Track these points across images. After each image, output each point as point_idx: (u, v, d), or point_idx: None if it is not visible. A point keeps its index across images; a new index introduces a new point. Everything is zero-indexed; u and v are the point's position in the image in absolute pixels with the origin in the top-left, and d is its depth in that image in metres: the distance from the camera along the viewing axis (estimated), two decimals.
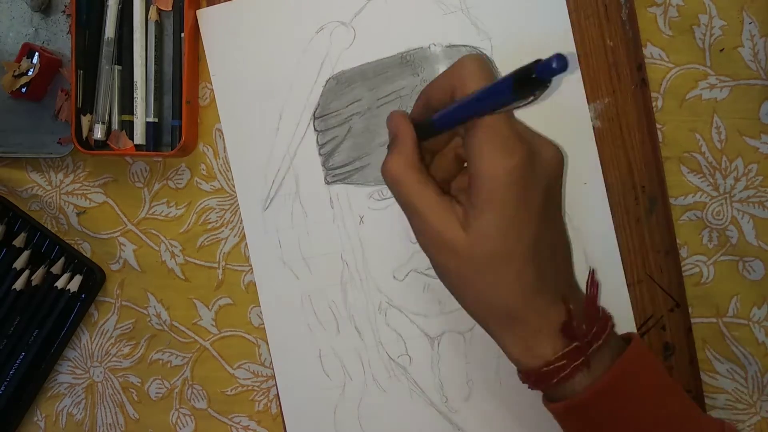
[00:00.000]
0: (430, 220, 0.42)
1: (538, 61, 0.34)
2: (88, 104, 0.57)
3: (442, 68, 0.54)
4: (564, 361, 0.41)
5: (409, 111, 0.54)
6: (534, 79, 0.34)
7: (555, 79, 0.34)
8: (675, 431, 0.42)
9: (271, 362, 0.57)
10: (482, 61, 0.42)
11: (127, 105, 0.57)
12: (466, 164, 0.47)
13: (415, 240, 0.54)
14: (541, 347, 0.42)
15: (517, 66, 0.36)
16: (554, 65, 0.33)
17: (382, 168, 0.45)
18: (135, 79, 0.57)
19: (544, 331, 0.42)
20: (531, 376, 0.43)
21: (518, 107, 0.37)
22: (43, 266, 0.59)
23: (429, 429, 0.55)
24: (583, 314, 0.43)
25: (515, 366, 0.44)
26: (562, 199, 0.45)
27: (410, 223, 0.45)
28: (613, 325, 0.43)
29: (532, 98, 0.36)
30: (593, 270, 0.46)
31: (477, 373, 0.55)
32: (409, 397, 0.55)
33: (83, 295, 0.60)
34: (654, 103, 0.53)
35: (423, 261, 0.54)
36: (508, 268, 0.41)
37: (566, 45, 0.52)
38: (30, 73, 0.57)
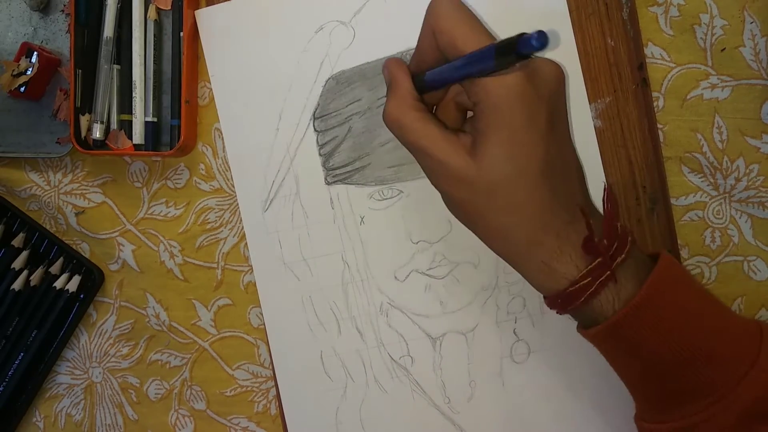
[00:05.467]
0: (435, 153, 0.42)
1: (522, 35, 0.36)
2: (86, 104, 0.57)
3: None
4: (589, 279, 0.41)
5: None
6: (516, 51, 0.36)
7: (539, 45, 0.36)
8: (713, 339, 0.41)
9: (271, 363, 0.57)
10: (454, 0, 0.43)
11: (125, 104, 0.57)
12: (470, 113, 0.47)
13: (416, 240, 0.54)
14: (565, 268, 0.41)
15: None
16: (534, 42, 0.35)
17: (383, 115, 0.45)
18: (134, 79, 0.57)
19: (565, 251, 0.41)
20: (557, 299, 0.42)
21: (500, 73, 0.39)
22: (41, 266, 0.59)
23: (431, 430, 0.55)
24: (602, 231, 0.42)
25: (540, 292, 0.44)
26: (567, 117, 0.44)
27: (420, 165, 0.45)
28: (634, 240, 0.43)
29: (511, 66, 0.38)
30: (608, 186, 0.45)
31: (479, 373, 0.55)
32: (411, 398, 0.55)
33: (82, 296, 0.59)
34: (655, 103, 0.53)
35: (424, 261, 0.54)
36: (520, 190, 0.41)
37: (567, 44, 0.52)
38: (29, 72, 0.57)
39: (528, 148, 0.40)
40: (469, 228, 0.45)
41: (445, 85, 0.43)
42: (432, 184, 0.45)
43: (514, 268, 0.44)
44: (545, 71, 0.42)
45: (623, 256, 0.41)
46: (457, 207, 0.44)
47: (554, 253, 0.42)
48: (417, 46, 0.45)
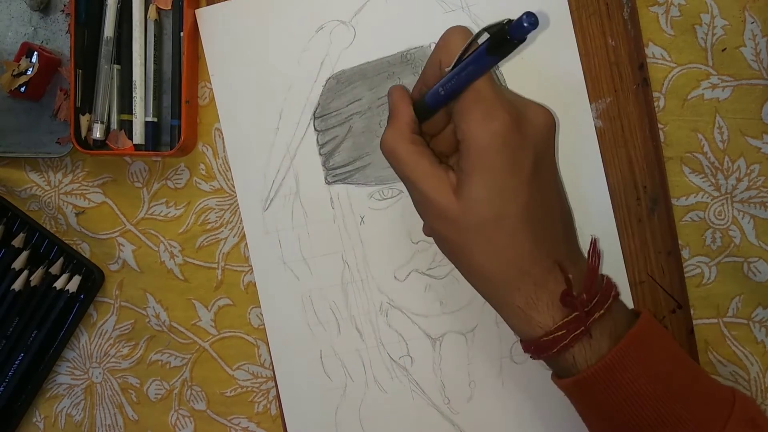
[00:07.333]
0: (423, 188, 0.43)
1: (509, 22, 0.35)
2: (87, 104, 0.57)
3: None
4: (563, 331, 0.41)
5: None
6: (507, 39, 0.36)
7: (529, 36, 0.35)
8: (683, 405, 0.41)
9: (271, 363, 0.57)
10: (465, 31, 0.42)
11: (126, 104, 0.57)
12: None
13: (416, 240, 0.54)
14: (540, 317, 0.42)
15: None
16: (525, 24, 0.34)
17: (380, 143, 0.46)
18: (134, 79, 0.57)
19: (543, 300, 0.42)
20: (530, 346, 0.43)
21: (496, 66, 0.39)
22: (41, 266, 0.59)
23: (431, 430, 0.55)
24: (584, 283, 0.42)
25: (517, 336, 0.44)
26: (556, 164, 0.45)
27: (410, 196, 0.46)
28: (616, 295, 0.43)
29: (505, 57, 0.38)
30: (596, 239, 0.45)
31: (479, 374, 0.54)
32: (410, 398, 0.55)
33: (82, 296, 0.59)
34: (656, 103, 0.53)
35: (424, 261, 0.54)
36: (500, 234, 0.41)
37: (568, 44, 0.52)
38: (29, 72, 0.57)
39: (509, 193, 0.41)
40: (452, 262, 0.45)
41: (447, 102, 0.43)
42: (419, 215, 0.45)
43: (493, 307, 0.44)
44: (534, 117, 0.42)
45: (602, 312, 0.41)
46: (441, 241, 0.45)
47: (530, 300, 0.42)
48: (422, 73, 0.46)
